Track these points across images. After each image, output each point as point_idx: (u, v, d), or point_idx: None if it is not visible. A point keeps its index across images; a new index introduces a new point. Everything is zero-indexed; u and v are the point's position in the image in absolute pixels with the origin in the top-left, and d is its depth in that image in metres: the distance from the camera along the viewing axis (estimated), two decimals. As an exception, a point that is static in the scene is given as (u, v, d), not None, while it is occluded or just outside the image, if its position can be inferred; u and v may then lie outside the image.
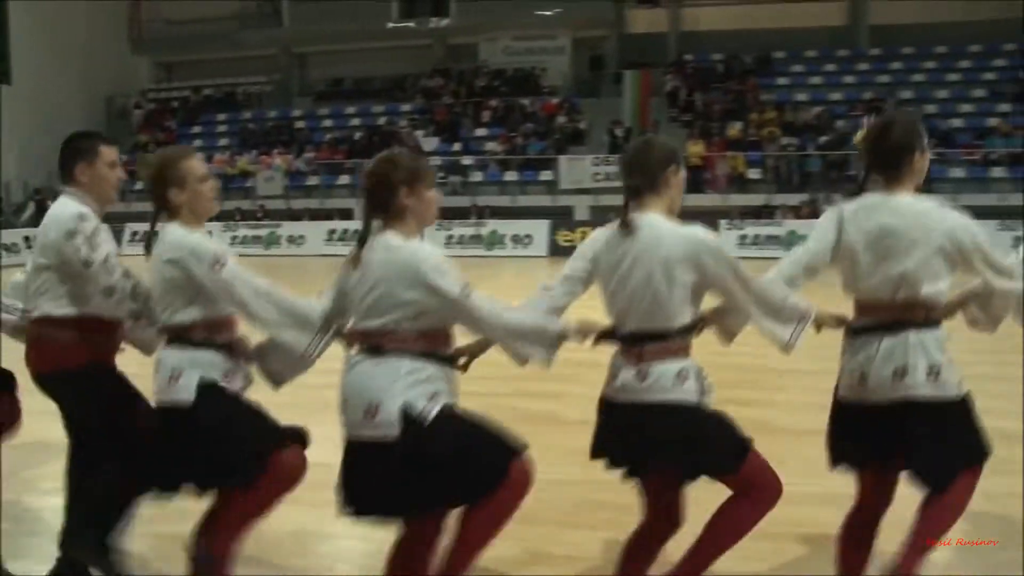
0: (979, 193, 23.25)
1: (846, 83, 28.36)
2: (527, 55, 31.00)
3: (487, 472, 2.99)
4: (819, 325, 3.28)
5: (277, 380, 3.45)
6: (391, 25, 31.22)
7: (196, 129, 31.82)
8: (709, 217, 22.97)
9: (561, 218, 24.11)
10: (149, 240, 3.38)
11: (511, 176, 26.67)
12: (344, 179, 27.54)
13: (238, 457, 3.25)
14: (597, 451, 3.30)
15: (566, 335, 3.19)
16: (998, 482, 3.99)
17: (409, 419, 2.95)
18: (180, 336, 3.32)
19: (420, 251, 3.04)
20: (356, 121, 30.44)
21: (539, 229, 23.61)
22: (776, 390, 6.98)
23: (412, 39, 31.82)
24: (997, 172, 24.02)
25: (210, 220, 3.55)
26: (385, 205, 3.11)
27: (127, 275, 3.52)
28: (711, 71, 29.00)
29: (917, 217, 3.17)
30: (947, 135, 25.13)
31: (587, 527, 2.94)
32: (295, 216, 26.27)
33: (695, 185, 24.70)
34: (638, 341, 3.12)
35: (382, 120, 29.74)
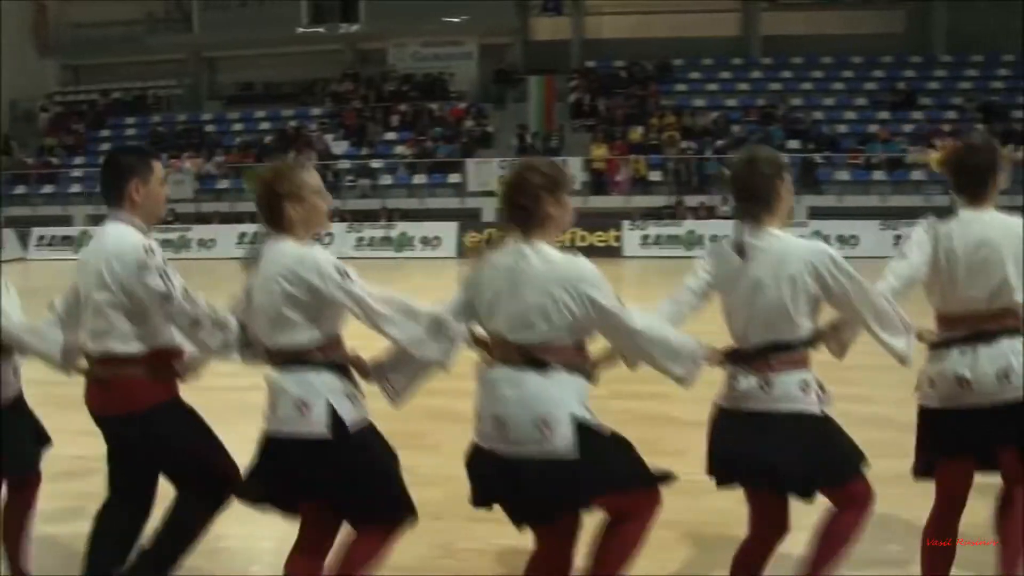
0: (861, 195, 24.79)
1: (740, 90, 29.60)
2: (435, 61, 31.65)
3: (645, 485, 3.08)
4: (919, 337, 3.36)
5: (400, 395, 3.28)
6: (300, 30, 31.46)
7: (105, 132, 31.59)
8: (613, 218, 24.10)
9: (469, 220, 24.77)
10: (254, 257, 3.18)
11: (420, 179, 27.19)
12: (255, 182, 27.75)
13: (387, 495, 3.18)
14: (715, 467, 3.32)
15: (706, 357, 3.18)
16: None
17: (583, 432, 2.96)
18: (297, 358, 3.12)
19: (579, 264, 3.02)
20: (266, 125, 30.60)
21: (448, 231, 24.32)
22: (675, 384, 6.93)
23: (322, 44, 32.10)
24: (878, 175, 25.48)
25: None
26: (527, 213, 3.05)
27: (206, 304, 3.33)
28: (613, 77, 29.94)
29: (1007, 230, 3.35)
30: (832, 140, 26.60)
31: (496, 521, 3.13)
32: (205, 219, 26.40)
33: (599, 187, 25.74)
34: (763, 353, 3.16)
35: (292, 124, 30.00)
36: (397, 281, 15.73)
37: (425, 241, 24.42)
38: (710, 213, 24.11)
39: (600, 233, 23.27)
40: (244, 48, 32.03)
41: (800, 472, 3.13)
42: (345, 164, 27.63)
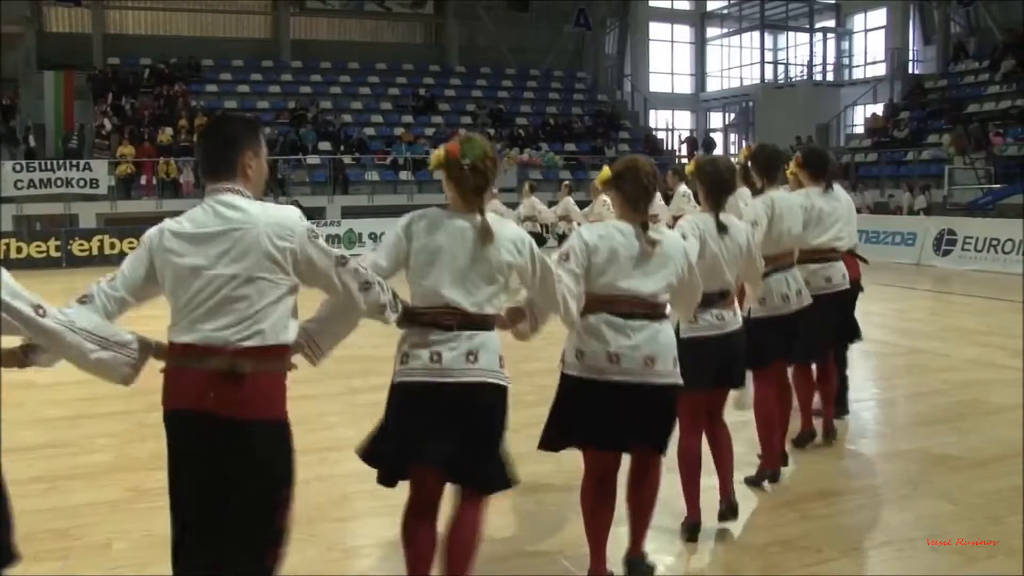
0: (391, 194, 26.30)
1: (272, 92, 30.02)
2: (-72, 50, 28.34)
3: None
4: None
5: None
6: None
7: None
8: (144, 223, 23.20)
9: (-17, 229, 22.66)
10: None
11: (-82, 185, 24.28)
12: None
13: None
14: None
15: None
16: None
17: None
18: None
19: None
20: None
21: (-45, 241, 21.95)
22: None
23: None
24: (404, 176, 27.20)
25: None
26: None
27: None
28: (139, 75, 28.87)
29: None
30: (362, 142, 27.98)
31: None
32: None
33: (128, 191, 24.70)
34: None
35: None
36: None
37: (-74, 253, 21.88)
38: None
39: (39, 243, 22.14)
40: None
41: None
42: None
